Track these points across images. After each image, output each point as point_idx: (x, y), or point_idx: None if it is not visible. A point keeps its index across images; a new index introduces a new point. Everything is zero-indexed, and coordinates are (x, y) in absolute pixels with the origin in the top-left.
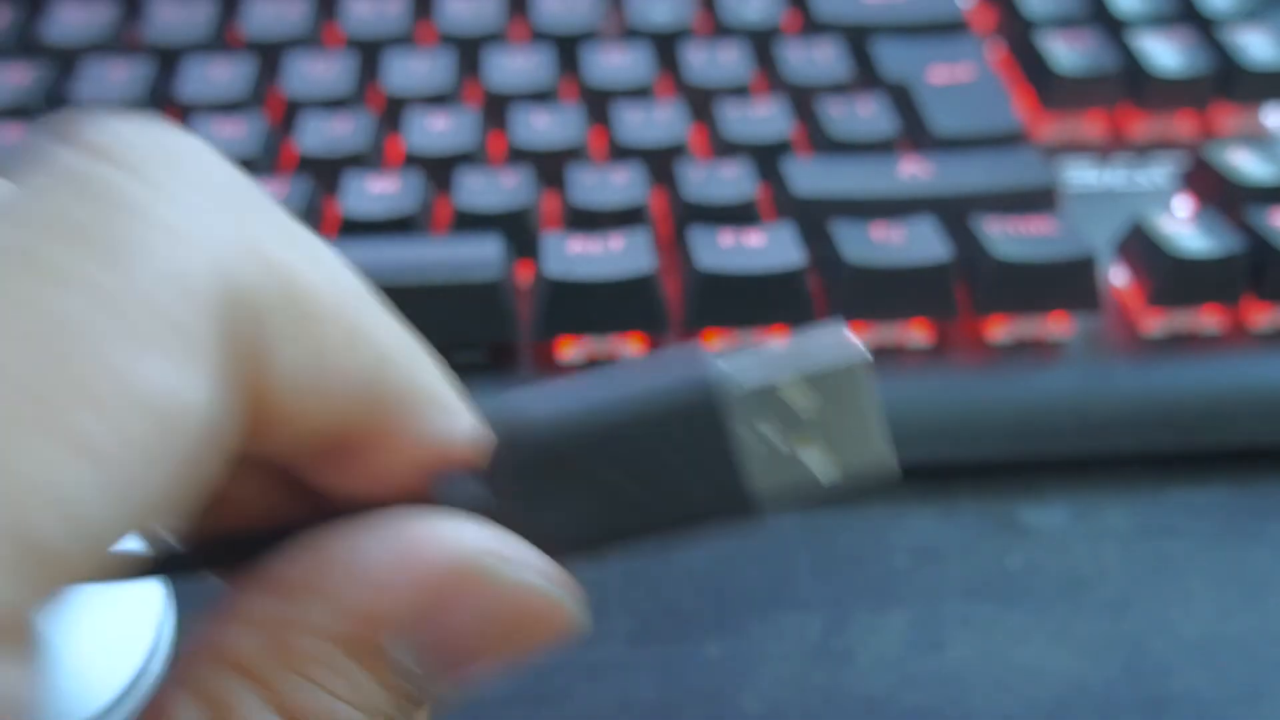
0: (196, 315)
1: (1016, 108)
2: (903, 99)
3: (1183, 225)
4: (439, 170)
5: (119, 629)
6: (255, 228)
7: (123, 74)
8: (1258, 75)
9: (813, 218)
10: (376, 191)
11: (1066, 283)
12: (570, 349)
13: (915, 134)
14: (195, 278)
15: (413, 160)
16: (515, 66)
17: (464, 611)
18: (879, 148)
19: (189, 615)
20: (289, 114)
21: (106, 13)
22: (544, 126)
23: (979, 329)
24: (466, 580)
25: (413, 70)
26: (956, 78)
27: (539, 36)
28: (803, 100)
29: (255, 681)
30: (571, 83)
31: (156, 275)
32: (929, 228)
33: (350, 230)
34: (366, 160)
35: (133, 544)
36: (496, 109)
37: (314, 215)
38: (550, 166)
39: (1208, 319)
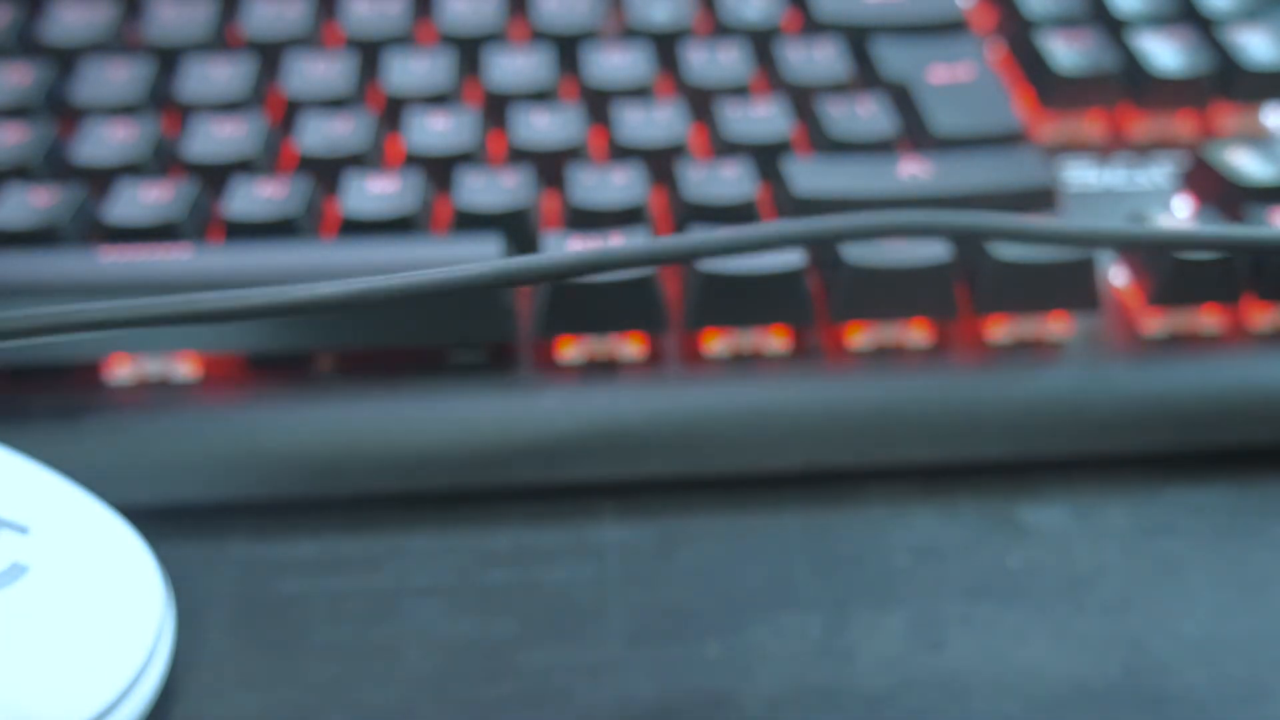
0: None
1: (1016, 107)
2: (903, 99)
3: (1182, 225)
4: (439, 170)
5: (119, 629)
6: None
7: (123, 74)
8: (1258, 75)
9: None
10: (376, 191)
11: (1066, 283)
12: (570, 349)
13: (915, 134)
14: None
15: (413, 160)
16: (515, 66)
17: None
18: (879, 148)
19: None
20: (289, 113)
21: (106, 12)
22: (544, 126)
23: (979, 329)
24: None
25: (413, 70)
26: (956, 77)
27: (539, 36)
28: (803, 100)
29: None
30: (571, 82)
31: None
32: None
33: (350, 230)
34: (366, 160)
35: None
36: (496, 108)
37: (314, 215)
38: (550, 166)
39: (1208, 319)
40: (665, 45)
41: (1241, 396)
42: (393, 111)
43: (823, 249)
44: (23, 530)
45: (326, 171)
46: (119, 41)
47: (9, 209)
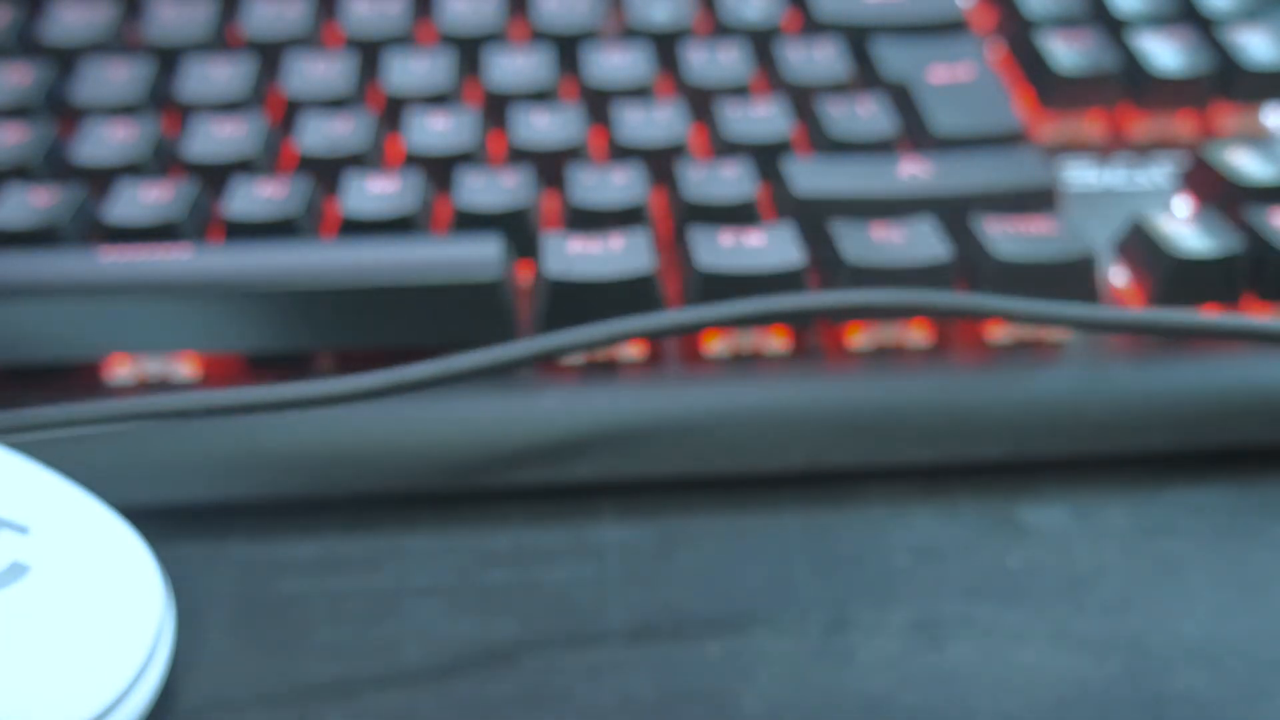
0: None
1: (1016, 107)
2: (903, 99)
3: (1183, 225)
4: (439, 170)
5: (119, 629)
6: None
7: (123, 74)
8: (1258, 75)
9: (813, 217)
10: (376, 191)
11: (1066, 283)
12: None
13: (915, 134)
14: None
15: (413, 160)
16: (515, 66)
17: None
18: (879, 148)
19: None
20: (289, 113)
21: (106, 12)
22: (544, 126)
23: (979, 329)
24: None
25: (413, 70)
26: (956, 78)
27: (539, 36)
28: (803, 100)
29: None
30: (571, 82)
31: None
32: (929, 228)
33: (350, 230)
34: (366, 160)
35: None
36: (496, 108)
37: (314, 215)
38: (550, 166)
39: None
40: (665, 45)
41: (1241, 396)
42: (393, 111)
43: (822, 247)
44: (23, 530)
45: (326, 171)
46: (119, 41)
47: (9, 209)
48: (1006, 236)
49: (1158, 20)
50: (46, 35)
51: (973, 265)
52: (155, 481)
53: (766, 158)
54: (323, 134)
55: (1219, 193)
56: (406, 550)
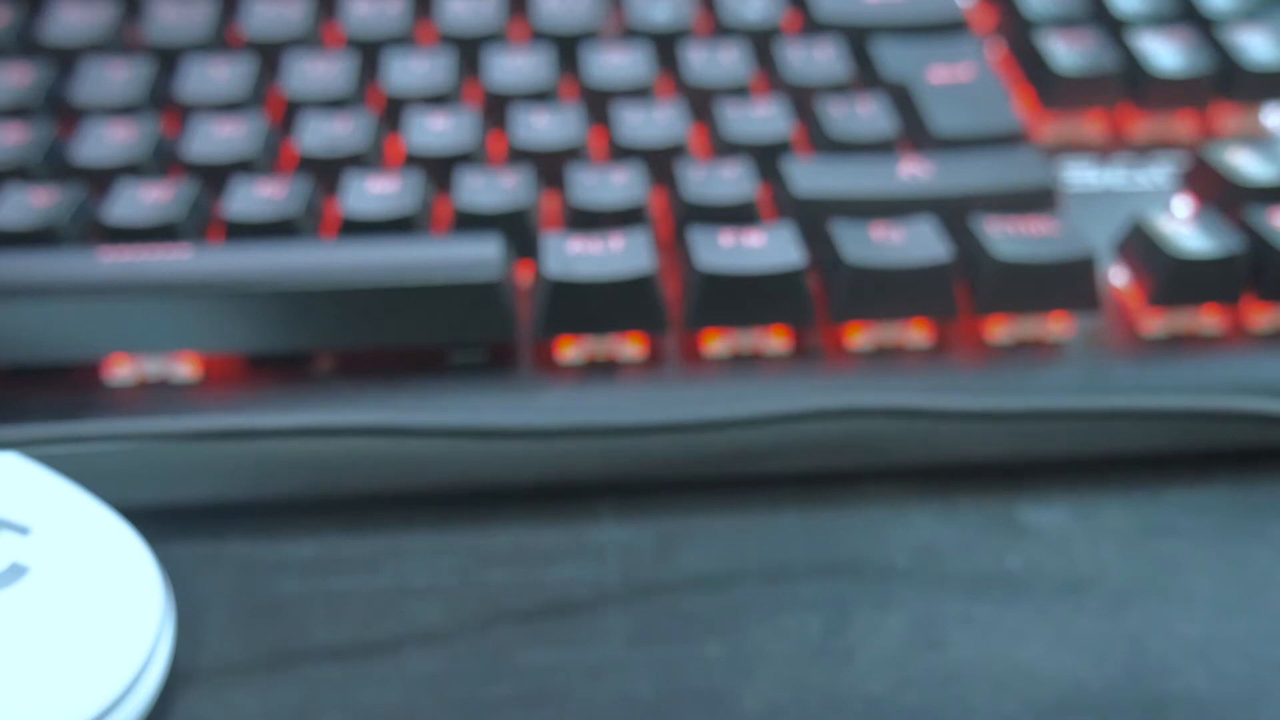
0: None
1: (1016, 108)
2: (903, 99)
3: (1183, 225)
4: (439, 170)
5: (118, 629)
6: None
7: (123, 74)
8: (1258, 75)
9: (813, 218)
10: (376, 191)
11: (1066, 283)
12: (570, 349)
13: (915, 134)
14: None
15: (413, 160)
16: (515, 66)
17: None
18: (879, 148)
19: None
20: (289, 114)
21: (106, 13)
22: (544, 126)
23: (979, 329)
24: None
25: (413, 70)
26: (956, 78)
27: (539, 36)
28: (803, 100)
29: None
30: (571, 83)
31: None
32: (929, 228)
33: (350, 230)
34: (366, 160)
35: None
36: (496, 109)
37: (314, 215)
38: (550, 166)
39: (1208, 319)
40: (665, 45)
41: (1241, 397)
42: (393, 111)
43: (822, 247)
44: (23, 531)
45: (326, 171)
46: (119, 41)
47: (9, 209)
48: (1006, 237)
49: (1158, 20)
50: (46, 35)
51: (973, 265)
52: (155, 481)
53: (766, 158)
54: (323, 134)
55: (1219, 193)
56: (406, 550)
